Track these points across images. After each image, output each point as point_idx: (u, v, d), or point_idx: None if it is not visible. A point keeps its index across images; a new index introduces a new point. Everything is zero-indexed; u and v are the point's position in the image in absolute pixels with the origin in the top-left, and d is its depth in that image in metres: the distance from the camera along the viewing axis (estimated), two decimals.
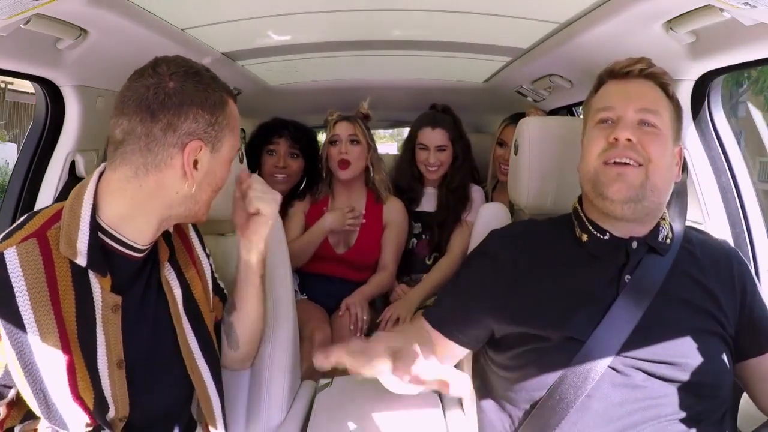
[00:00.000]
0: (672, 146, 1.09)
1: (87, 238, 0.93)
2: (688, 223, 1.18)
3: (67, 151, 1.53)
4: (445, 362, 1.09)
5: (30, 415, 0.99)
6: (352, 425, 1.29)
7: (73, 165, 1.56)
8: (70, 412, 0.94)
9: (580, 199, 1.19)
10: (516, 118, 2.35)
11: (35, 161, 1.53)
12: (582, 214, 1.15)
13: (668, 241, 1.10)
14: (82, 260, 0.93)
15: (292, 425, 1.30)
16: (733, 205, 1.48)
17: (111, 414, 0.97)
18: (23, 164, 1.53)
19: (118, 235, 0.96)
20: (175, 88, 0.93)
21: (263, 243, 1.13)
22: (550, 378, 1.02)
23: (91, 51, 1.34)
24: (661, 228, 1.11)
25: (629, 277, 1.06)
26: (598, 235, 1.11)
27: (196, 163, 0.95)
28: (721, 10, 1.00)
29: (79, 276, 0.94)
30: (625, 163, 1.05)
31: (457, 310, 1.16)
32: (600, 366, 0.99)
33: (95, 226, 0.94)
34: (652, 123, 1.07)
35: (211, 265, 1.21)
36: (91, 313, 0.94)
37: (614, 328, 1.01)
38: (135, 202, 0.95)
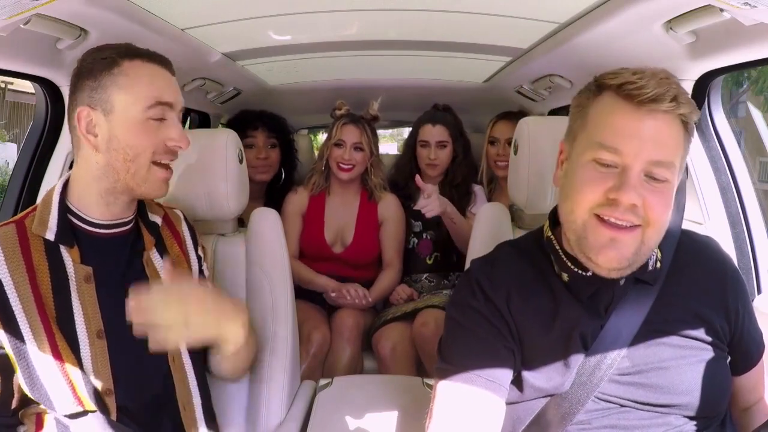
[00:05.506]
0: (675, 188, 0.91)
1: (57, 216, 1.03)
2: (685, 224, 1.09)
3: (67, 151, 1.52)
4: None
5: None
6: (352, 425, 1.29)
7: (72, 165, 1.56)
8: (54, 384, 0.97)
9: (551, 222, 1.02)
10: (505, 115, 2.35)
11: (35, 161, 1.53)
12: (558, 249, 0.98)
13: (658, 265, 0.97)
14: (50, 235, 1.02)
15: (291, 425, 1.30)
16: (733, 205, 1.49)
17: (96, 384, 0.99)
18: (23, 164, 1.54)
19: (82, 214, 1.05)
20: (72, 73, 1.03)
21: (235, 332, 1.07)
22: (528, 415, 0.96)
23: None
24: (651, 257, 0.95)
25: (612, 313, 0.95)
26: (580, 272, 0.95)
27: (95, 128, 1.00)
28: (721, 10, 1.00)
29: (51, 251, 1.02)
30: (622, 226, 0.88)
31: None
32: (583, 404, 0.93)
33: (64, 207, 1.04)
34: (662, 178, 0.87)
35: (202, 268, 1.21)
36: (65, 284, 1.01)
37: (599, 370, 0.93)
38: (81, 181, 1.05)
